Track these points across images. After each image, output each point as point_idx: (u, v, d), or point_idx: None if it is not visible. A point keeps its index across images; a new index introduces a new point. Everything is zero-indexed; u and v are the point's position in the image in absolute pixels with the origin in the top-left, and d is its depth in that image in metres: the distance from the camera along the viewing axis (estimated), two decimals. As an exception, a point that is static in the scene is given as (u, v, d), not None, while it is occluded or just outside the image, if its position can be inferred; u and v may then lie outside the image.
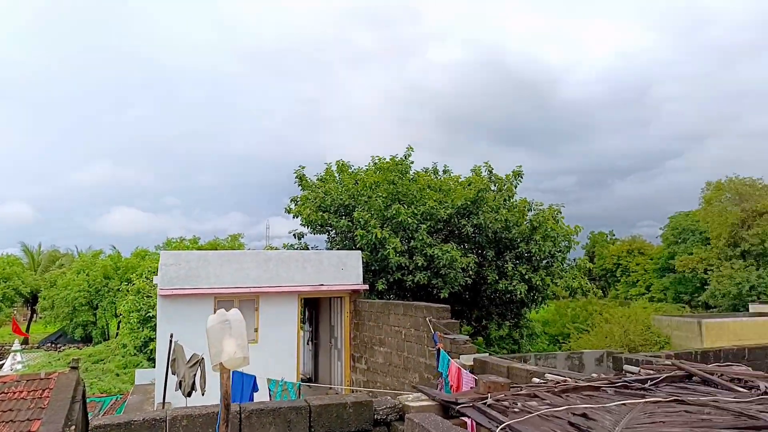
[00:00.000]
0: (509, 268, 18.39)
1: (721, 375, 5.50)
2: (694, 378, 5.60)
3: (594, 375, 6.51)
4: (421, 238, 17.33)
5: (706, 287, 45.74)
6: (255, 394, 8.63)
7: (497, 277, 18.47)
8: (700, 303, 46.91)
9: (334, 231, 19.85)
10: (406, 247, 17.56)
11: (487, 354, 11.22)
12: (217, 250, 38.14)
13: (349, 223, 18.39)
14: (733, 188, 46.15)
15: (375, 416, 5.66)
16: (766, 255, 43.15)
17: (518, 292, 18.10)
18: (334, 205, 19.27)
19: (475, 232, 18.76)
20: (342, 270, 15.32)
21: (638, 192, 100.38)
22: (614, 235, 68.26)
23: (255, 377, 8.70)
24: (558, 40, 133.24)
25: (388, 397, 5.84)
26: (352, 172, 22.04)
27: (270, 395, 8.64)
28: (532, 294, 19.16)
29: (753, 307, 37.33)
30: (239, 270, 14.60)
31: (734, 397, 4.70)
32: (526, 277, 18.47)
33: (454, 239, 18.93)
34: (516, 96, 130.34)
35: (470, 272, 17.88)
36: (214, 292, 14.20)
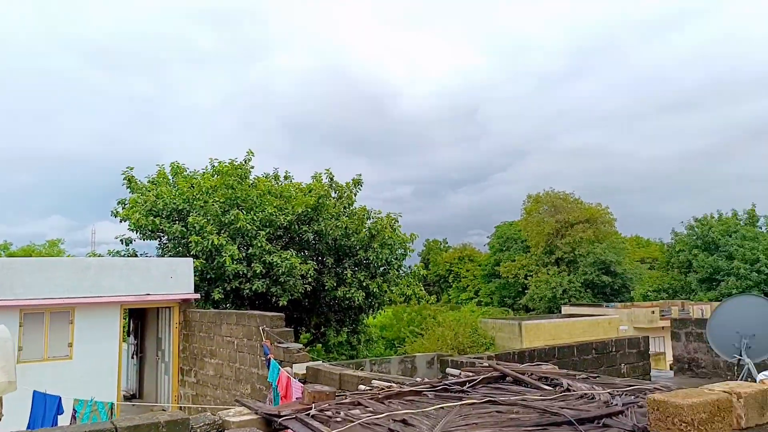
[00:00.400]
0: (348, 275, 18.59)
1: (531, 374, 5.90)
2: (507, 378, 5.95)
3: (419, 379, 6.68)
4: (260, 245, 16.90)
5: (526, 291, 50.22)
6: (60, 416, 7.70)
7: (336, 284, 18.59)
8: (521, 306, 51.36)
9: (166, 237, 18.68)
10: (244, 254, 17.02)
11: (321, 362, 11.15)
12: (31, 257, 34.39)
13: (183, 229, 17.39)
14: (549, 201, 51.34)
15: (193, 435, 5.27)
16: (576, 262, 48.39)
17: (356, 299, 18.38)
18: (167, 210, 18.15)
19: (315, 239, 18.72)
20: (171, 278, 14.40)
21: (469, 202, 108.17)
22: (447, 242, 72.64)
23: (60, 398, 7.77)
24: (399, 55, 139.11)
25: (208, 413, 5.48)
26: (188, 175, 20.96)
27: (75, 418, 7.75)
28: (369, 300, 19.55)
29: (565, 309, 41.72)
30: (52, 279, 13.14)
31: (540, 395, 5.04)
32: (364, 284, 18.81)
33: (294, 246, 18.74)
34: (359, 106, 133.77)
35: (310, 279, 17.78)
36: (19, 305, 12.64)
